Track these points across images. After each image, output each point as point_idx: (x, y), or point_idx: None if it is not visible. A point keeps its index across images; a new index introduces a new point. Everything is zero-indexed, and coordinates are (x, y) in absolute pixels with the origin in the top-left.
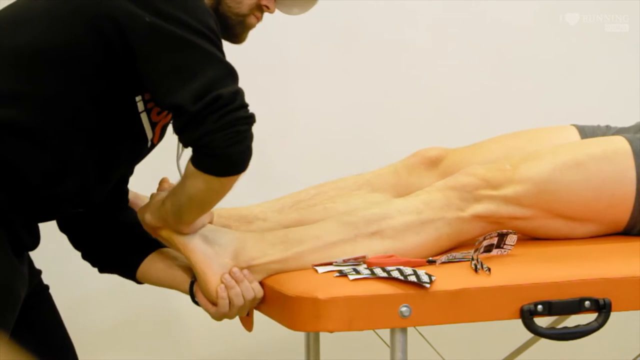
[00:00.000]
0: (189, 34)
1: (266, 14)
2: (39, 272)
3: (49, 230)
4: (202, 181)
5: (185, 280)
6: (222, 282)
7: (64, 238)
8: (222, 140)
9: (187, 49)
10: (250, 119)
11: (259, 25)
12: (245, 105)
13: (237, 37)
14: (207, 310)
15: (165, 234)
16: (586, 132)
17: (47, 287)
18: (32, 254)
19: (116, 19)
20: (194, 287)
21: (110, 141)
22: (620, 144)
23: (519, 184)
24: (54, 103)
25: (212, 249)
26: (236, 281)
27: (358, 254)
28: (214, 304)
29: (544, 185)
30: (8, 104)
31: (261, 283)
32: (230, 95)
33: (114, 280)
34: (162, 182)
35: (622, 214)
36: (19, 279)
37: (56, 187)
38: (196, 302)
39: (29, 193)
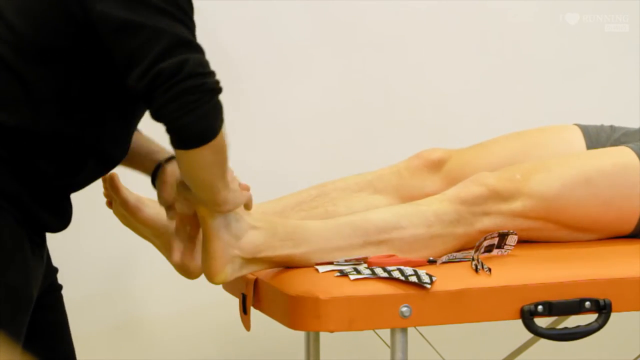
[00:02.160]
0: (138, 15)
1: (269, 15)
2: (55, 270)
3: (50, 233)
4: (180, 158)
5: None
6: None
7: (66, 240)
8: (170, 113)
9: (138, 30)
10: (203, 86)
11: (259, 25)
12: (195, 74)
13: None
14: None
15: (201, 211)
16: (590, 132)
17: (60, 287)
18: None
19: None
20: (161, 170)
21: (120, 116)
22: (630, 158)
23: (528, 198)
24: (53, 102)
25: (227, 238)
26: None
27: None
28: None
29: (553, 201)
30: (12, 108)
31: (258, 281)
32: (173, 67)
33: (114, 281)
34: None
35: (627, 225)
36: (33, 280)
37: (76, 176)
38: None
39: (50, 185)
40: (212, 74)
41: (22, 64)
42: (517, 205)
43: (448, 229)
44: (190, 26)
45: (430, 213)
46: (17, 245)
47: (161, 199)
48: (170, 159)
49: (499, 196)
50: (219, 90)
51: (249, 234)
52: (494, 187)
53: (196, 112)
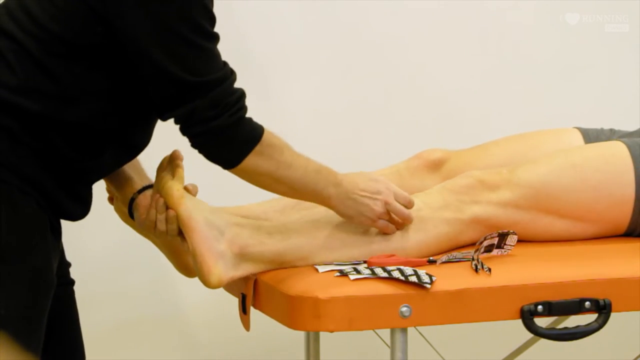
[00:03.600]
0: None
1: (270, 15)
2: (68, 264)
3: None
4: None
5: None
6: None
7: (67, 241)
8: (193, 144)
9: (154, 68)
10: (210, 127)
11: (260, 25)
12: (203, 119)
13: None
14: (138, 219)
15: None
16: (590, 136)
17: (72, 282)
18: None
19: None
20: (134, 204)
21: (143, 105)
22: (618, 147)
23: (515, 187)
24: (77, 93)
25: (211, 233)
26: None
27: (356, 247)
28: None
29: (541, 187)
30: (36, 96)
31: (258, 281)
32: (182, 116)
33: (116, 281)
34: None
35: (622, 217)
36: (54, 265)
37: (96, 159)
38: (131, 216)
39: (72, 168)
40: (225, 108)
41: (45, 56)
42: (505, 194)
43: (436, 213)
44: (212, 46)
45: (418, 201)
46: (40, 230)
47: (141, 227)
48: (143, 189)
49: (485, 185)
50: (230, 125)
51: (233, 229)
52: (479, 177)
53: (209, 149)
